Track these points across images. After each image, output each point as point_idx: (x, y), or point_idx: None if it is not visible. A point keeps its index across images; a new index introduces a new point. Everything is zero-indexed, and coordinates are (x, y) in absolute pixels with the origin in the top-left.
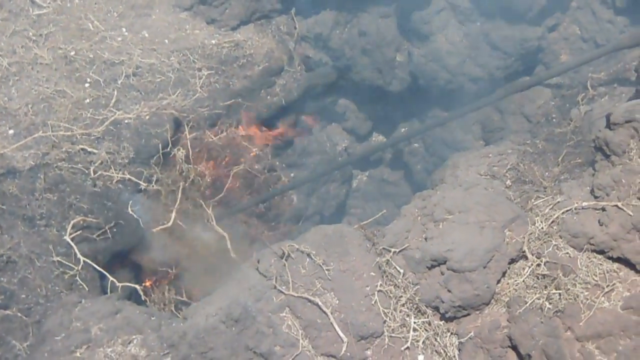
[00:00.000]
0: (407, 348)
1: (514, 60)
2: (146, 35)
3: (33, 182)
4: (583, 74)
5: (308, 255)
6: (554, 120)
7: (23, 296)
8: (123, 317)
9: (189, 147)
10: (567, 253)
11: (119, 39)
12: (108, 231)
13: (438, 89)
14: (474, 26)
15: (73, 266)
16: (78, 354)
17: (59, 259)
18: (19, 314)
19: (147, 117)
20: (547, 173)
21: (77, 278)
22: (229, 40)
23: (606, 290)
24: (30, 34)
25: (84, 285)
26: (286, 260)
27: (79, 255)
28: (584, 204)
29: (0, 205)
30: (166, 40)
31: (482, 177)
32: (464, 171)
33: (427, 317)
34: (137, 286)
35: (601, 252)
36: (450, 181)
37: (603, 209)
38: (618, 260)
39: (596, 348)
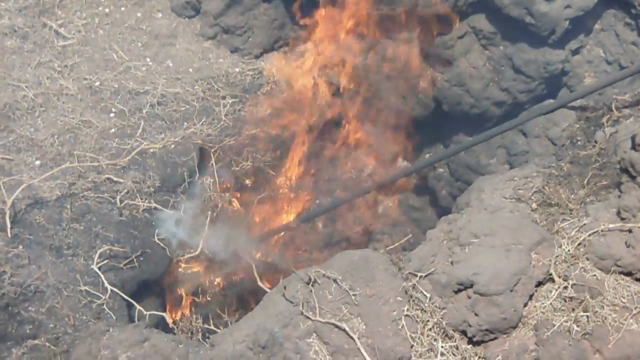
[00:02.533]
0: None
1: (537, 83)
2: (170, 64)
3: (60, 212)
4: (607, 96)
5: (334, 280)
6: (579, 142)
7: (51, 326)
8: (151, 346)
9: (216, 175)
10: (595, 275)
11: (144, 68)
12: (135, 260)
13: (462, 114)
14: (497, 50)
15: (100, 295)
16: None
17: (86, 288)
18: (47, 344)
19: (173, 146)
20: (572, 195)
21: (105, 307)
22: (252, 68)
23: (634, 312)
24: (56, 65)
25: (112, 314)
26: (312, 286)
27: (106, 284)
28: (611, 225)
29: (27, 236)
30: (190, 69)
31: (507, 201)
32: (490, 195)
33: (455, 341)
34: (164, 314)
35: (629, 274)
36: (476, 205)
37: (630, 231)
38: None
39: None
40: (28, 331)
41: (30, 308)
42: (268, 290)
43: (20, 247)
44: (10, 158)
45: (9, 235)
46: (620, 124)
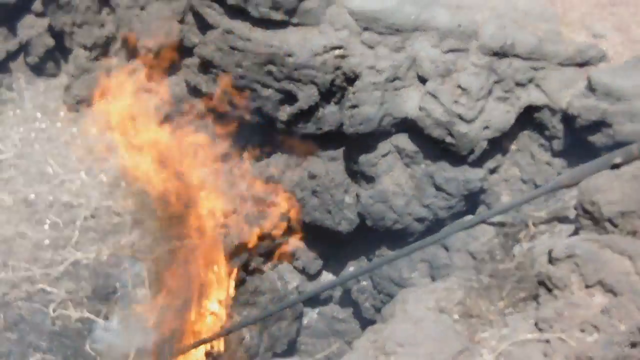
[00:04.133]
0: None
1: (457, 200)
2: (104, 179)
3: None
4: (524, 213)
5: None
6: (498, 257)
7: None
8: None
9: (147, 286)
10: None
11: (78, 182)
12: None
13: (385, 229)
14: (419, 168)
15: None
16: None
17: None
18: None
19: (105, 258)
20: (492, 307)
21: None
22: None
23: None
24: None
25: None
26: None
27: None
28: (529, 336)
29: None
30: (123, 184)
31: (430, 312)
32: (413, 306)
33: None
34: None
35: None
36: (401, 316)
37: (547, 341)
38: None
39: None
40: None
41: None
42: None
43: None
44: None
45: None
46: (537, 239)
